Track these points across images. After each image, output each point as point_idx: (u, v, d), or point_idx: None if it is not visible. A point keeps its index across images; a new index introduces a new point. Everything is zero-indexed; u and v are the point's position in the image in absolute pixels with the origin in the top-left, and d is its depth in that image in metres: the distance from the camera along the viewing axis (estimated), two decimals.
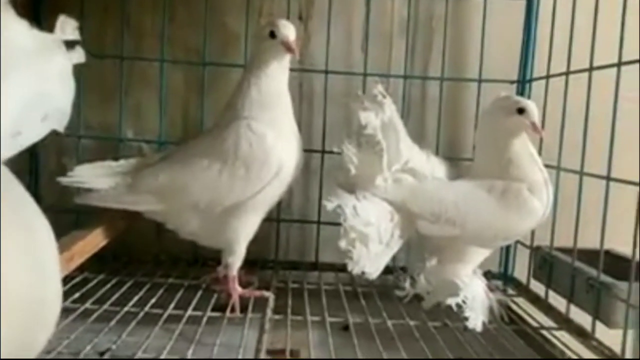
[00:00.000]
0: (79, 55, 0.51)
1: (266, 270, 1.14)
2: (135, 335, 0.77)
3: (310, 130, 1.17)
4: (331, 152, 1.07)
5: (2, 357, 0.34)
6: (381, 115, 0.92)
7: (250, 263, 1.01)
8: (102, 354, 0.70)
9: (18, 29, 0.44)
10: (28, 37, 0.45)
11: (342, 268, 1.00)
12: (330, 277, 1.11)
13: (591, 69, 0.91)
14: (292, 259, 1.20)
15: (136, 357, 0.70)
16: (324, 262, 1.16)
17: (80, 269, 0.88)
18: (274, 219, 1.15)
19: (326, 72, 1.14)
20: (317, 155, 1.13)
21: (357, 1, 1.17)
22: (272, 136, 0.89)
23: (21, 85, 0.44)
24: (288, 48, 0.89)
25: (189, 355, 0.71)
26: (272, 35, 0.89)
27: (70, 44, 0.50)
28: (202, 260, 1.11)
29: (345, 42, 1.18)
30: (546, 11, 1.09)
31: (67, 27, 0.49)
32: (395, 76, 1.17)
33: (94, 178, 0.89)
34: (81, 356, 0.69)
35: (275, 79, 0.91)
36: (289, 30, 0.89)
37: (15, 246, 0.35)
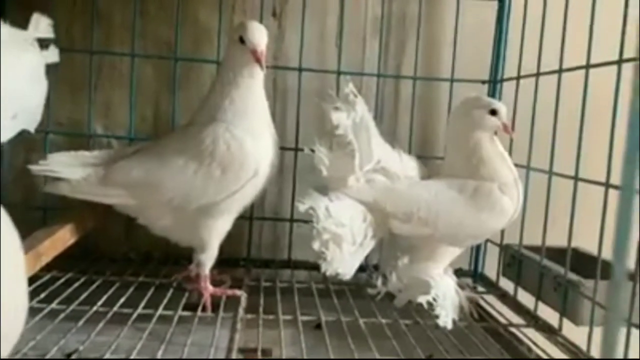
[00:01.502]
0: (52, 54, 0.50)
1: (238, 268, 1.13)
2: (104, 335, 0.76)
3: (284, 127, 1.17)
4: (303, 150, 1.07)
5: None
6: (353, 115, 0.91)
7: (223, 261, 1.00)
8: (69, 355, 0.69)
9: None
10: None
11: (315, 266, 1.00)
12: (303, 275, 1.11)
13: (560, 70, 0.93)
14: (265, 257, 1.20)
15: (104, 358, 0.68)
16: (297, 260, 1.16)
17: (48, 267, 0.86)
18: (246, 217, 1.14)
19: (300, 69, 1.13)
20: (290, 152, 1.13)
21: None
22: (250, 140, 0.87)
23: None
24: (256, 58, 0.86)
25: (159, 355, 0.70)
26: (242, 40, 0.86)
27: (43, 42, 0.49)
28: (173, 259, 1.09)
29: (319, 39, 1.18)
30: (518, 13, 1.11)
31: (40, 24, 0.48)
32: (369, 74, 1.17)
33: (66, 167, 0.87)
34: (47, 357, 0.67)
35: (248, 84, 0.89)
36: (259, 38, 0.86)
37: None
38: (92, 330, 0.76)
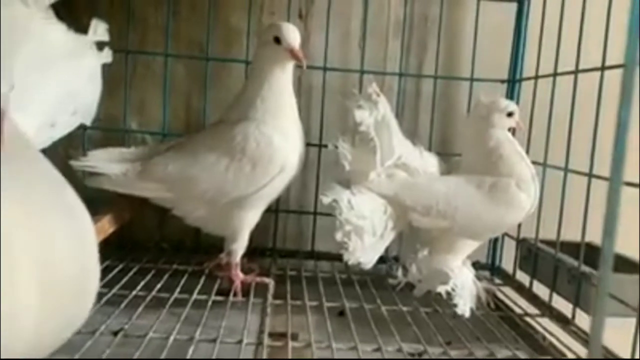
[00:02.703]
0: (106, 55, 0.56)
1: (265, 258, 1.18)
2: (143, 318, 0.81)
3: (308, 124, 1.21)
4: (327, 146, 1.12)
5: (55, 322, 0.38)
6: (375, 114, 0.96)
7: (250, 251, 1.05)
8: (115, 333, 0.75)
9: (57, 31, 0.48)
10: (64, 39, 0.49)
11: (338, 257, 1.05)
12: (326, 265, 1.16)
13: (577, 71, 0.96)
14: (289, 247, 1.25)
15: (148, 336, 0.74)
16: (320, 251, 1.21)
17: None
18: (272, 210, 1.19)
19: (324, 68, 1.18)
20: (314, 148, 1.18)
21: (355, 1, 1.21)
22: (278, 137, 0.92)
23: (57, 81, 0.49)
24: (294, 56, 0.91)
25: (197, 335, 0.75)
26: (277, 41, 0.91)
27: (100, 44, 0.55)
28: (203, 248, 1.15)
29: (343, 40, 1.23)
30: (536, 14, 1.14)
31: (99, 29, 0.53)
32: (391, 74, 1.21)
33: (106, 163, 0.93)
34: (97, 335, 0.73)
35: (279, 83, 0.94)
36: (294, 37, 0.91)
37: (63, 228, 0.40)
38: (133, 313, 0.82)
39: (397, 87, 1.21)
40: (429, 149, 1.09)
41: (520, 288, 1.09)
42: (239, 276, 0.98)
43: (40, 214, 0.37)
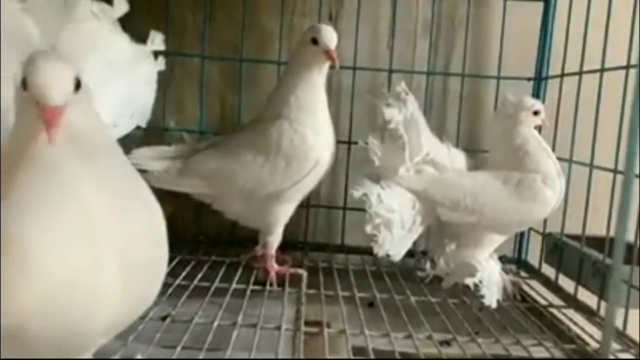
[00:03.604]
0: (161, 63, 0.61)
1: (296, 251, 1.23)
2: (187, 306, 0.87)
3: (338, 121, 1.25)
4: (357, 143, 1.16)
5: (132, 304, 0.43)
6: (404, 111, 1.00)
7: (283, 244, 1.10)
8: (163, 318, 0.80)
9: (121, 41, 0.54)
10: (128, 48, 0.55)
11: (366, 251, 1.10)
12: (356, 258, 1.20)
13: (602, 70, 0.99)
14: (320, 241, 1.29)
15: (194, 321, 0.80)
16: (350, 245, 1.25)
17: None
18: (303, 205, 1.23)
19: (354, 68, 1.22)
20: (343, 145, 1.22)
21: (384, 2, 1.25)
22: (312, 135, 0.97)
23: (120, 87, 0.54)
24: (329, 57, 0.95)
25: (239, 320, 0.81)
26: (315, 41, 0.96)
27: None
28: (239, 240, 1.20)
29: (372, 40, 1.27)
30: (562, 13, 1.16)
31: (156, 39, 0.59)
32: (419, 72, 1.25)
33: (150, 160, 0.98)
34: (147, 320, 0.79)
35: (314, 83, 0.98)
36: (331, 39, 0.95)
37: (141, 219, 0.45)
38: (177, 301, 0.87)
39: (425, 86, 1.24)
40: (457, 146, 1.12)
41: (546, 281, 1.12)
42: (274, 267, 1.03)
43: (123, 207, 0.42)
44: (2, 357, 0.44)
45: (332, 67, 0.99)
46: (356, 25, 1.21)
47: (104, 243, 0.40)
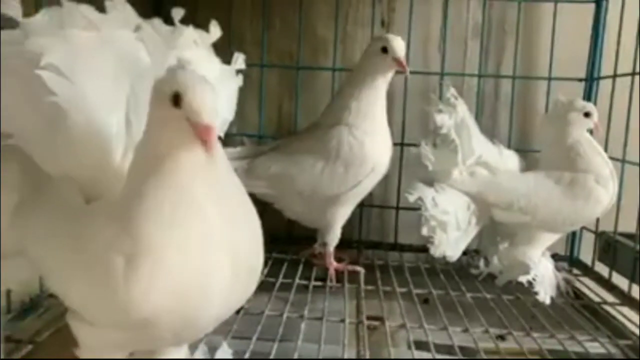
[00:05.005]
0: (240, 79, 0.68)
1: (351, 249, 1.28)
2: (258, 299, 0.92)
3: (391, 124, 1.27)
4: (409, 145, 1.21)
5: (236, 300, 0.50)
6: (455, 116, 1.04)
7: (338, 242, 1.14)
8: (238, 311, 0.87)
9: (213, 63, 0.61)
10: (218, 69, 0.61)
11: (420, 249, 1.15)
12: (410, 256, 1.25)
13: None
14: (373, 240, 1.34)
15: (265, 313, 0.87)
16: (402, 244, 1.30)
17: None
18: (358, 205, 1.28)
19: (401, 72, 1.25)
20: (396, 147, 1.25)
21: (435, 7, 1.29)
22: (369, 141, 1.02)
23: None
24: (400, 64, 1.00)
25: (306, 313, 0.87)
26: (384, 50, 1.00)
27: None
28: (296, 239, 1.26)
29: (423, 44, 1.31)
30: (614, 13, 1.17)
31: (239, 60, 0.65)
32: (470, 75, 1.28)
33: None
34: None
35: (378, 90, 1.03)
36: (400, 47, 1.00)
37: (245, 220, 0.51)
38: None
39: (477, 88, 1.27)
40: (508, 147, 1.15)
41: (599, 279, 1.13)
42: (332, 264, 1.09)
43: (233, 219, 0.49)
44: (127, 348, 0.51)
45: (401, 73, 1.03)
46: (408, 30, 1.25)
47: (219, 248, 0.47)
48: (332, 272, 1.08)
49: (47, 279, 0.53)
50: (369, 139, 1.02)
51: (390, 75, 1.04)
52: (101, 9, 0.56)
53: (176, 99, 0.45)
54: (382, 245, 1.32)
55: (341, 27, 1.30)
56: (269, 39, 1.31)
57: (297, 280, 1.02)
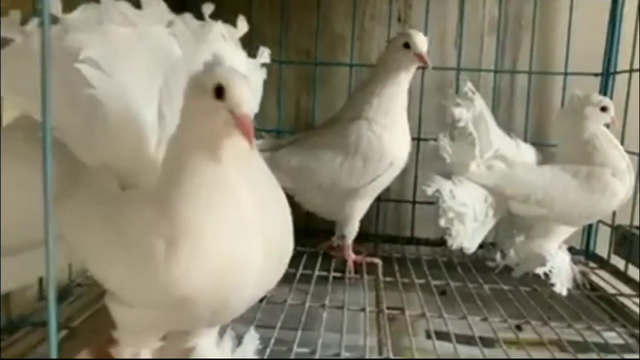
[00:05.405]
0: (264, 73, 0.70)
1: (368, 242, 1.30)
2: (279, 290, 0.93)
3: (407, 119, 1.31)
4: (426, 140, 1.23)
5: (266, 283, 0.52)
6: (472, 110, 1.05)
7: (356, 236, 1.17)
8: (261, 300, 0.89)
9: (240, 57, 0.63)
10: (244, 63, 0.63)
11: (435, 242, 1.17)
12: (426, 250, 1.26)
13: None
14: (389, 233, 1.36)
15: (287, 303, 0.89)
16: (419, 237, 1.31)
17: None
18: (375, 199, 1.31)
19: (423, 67, 1.27)
20: (412, 141, 1.26)
21: (451, 3, 1.30)
22: (388, 136, 1.03)
23: None
24: (422, 59, 1.01)
25: (327, 302, 0.89)
26: (407, 46, 1.02)
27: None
28: (313, 231, 1.27)
29: (440, 40, 1.32)
30: (631, 8, 1.17)
31: (264, 54, 0.67)
32: (486, 70, 1.29)
33: None
34: None
35: (400, 86, 1.04)
36: (422, 43, 1.01)
37: (276, 207, 0.54)
38: None
39: (493, 83, 1.29)
40: (524, 141, 1.16)
41: (615, 272, 1.14)
42: (351, 256, 1.11)
43: (265, 205, 0.51)
44: (164, 328, 0.53)
45: (424, 68, 1.05)
46: (425, 26, 1.26)
47: (253, 232, 0.49)
48: (350, 264, 1.10)
49: (87, 262, 0.55)
50: (388, 134, 1.04)
51: (412, 70, 1.05)
52: (135, 4, 0.58)
53: (218, 92, 0.47)
54: (399, 239, 1.33)
55: (358, 24, 1.31)
56: (287, 37, 1.33)
57: (316, 272, 1.04)
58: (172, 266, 0.46)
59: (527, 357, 0.75)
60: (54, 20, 0.54)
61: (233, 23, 0.68)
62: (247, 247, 0.49)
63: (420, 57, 1.01)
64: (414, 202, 1.32)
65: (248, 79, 0.49)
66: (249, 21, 1.29)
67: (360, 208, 1.10)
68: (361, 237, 1.28)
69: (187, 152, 0.48)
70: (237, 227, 0.48)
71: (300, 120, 1.36)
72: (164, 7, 0.59)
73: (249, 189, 0.49)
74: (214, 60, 0.50)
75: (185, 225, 0.47)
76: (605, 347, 0.81)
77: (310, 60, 1.31)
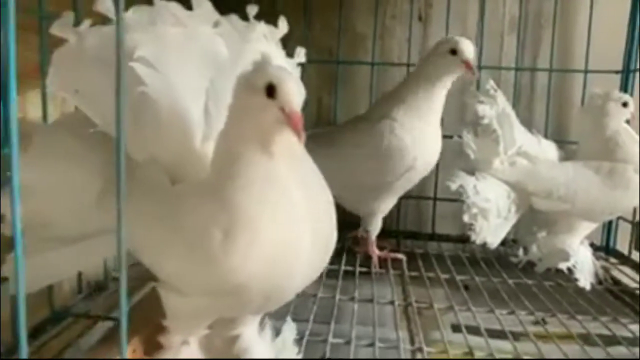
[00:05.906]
0: (299, 71, 0.72)
1: (390, 238, 1.31)
2: (308, 286, 0.96)
3: None
4: (446, 137, 1.24)
5: (313, 270, 0.54)
6: (495, 107, 1.07)
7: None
8: None
9: (280, 56, 0.65)
10: (283, 62, 0.65)
11: (457, 239, 1.18)
12: (448, 246, 1.28)
13: None
14: (410, 229, 1.38)
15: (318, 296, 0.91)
16: (440, 234, 1.33)
17: None
18: None
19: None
20: None
21: (472, 2, 1.32)
22: (411, 139, 1.03)
23: None
24: (469, 67, 1.00)
25: (356, 295, 0.91)
26: (453, 52, 1.01)
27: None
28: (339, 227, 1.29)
29: None
30: None
31: (300, 54, 0.69)
32: (507, 68, 1.31)
33: None
34: None
35: (439, 90, 1.04)
36: (470, 50, 1.01)
37: (322, 199, 0.56)
38: None
39: (514, 81, 1.30)
40: (545, 137, 1.18)
41: (636, 267, 1.15)
42: (375, 252, 1.13)
43: (313, 196, 0.53)
44: (213, 315, 0.55)
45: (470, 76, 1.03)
46: (446, 24, 1.28)
47: (303, 223, 0.52)
48: (375, 259, 1.11)
49: (139, 253, 0.57)
50: (410, 137, 1.03)
51: (456, 76, 1.04)
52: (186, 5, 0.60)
53: (269, 90, 0.49)
54: (420, 235, 1.35)
55: (380, 23, 1.33)
56: (310, 36, 1.35)
57: (343, 267, 1.06)
58: (230, 255, 0.48)
59: (559, 352, 0.77)
60: (107, 20, 0.56)
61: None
62: (297, 237, 0.51)
63: (467, 64, 1.00)
64: (434, 199, 1.33)
65: (297, 77, 0.51)
66: (275, 24, 1.33)
67: (383, 205, 1.12)
68: (383, 233, 1.30)
69: (239, 147, 0.50)
70: (288, 218, 0.51)
71: (322, 119, 1.38)
72: (210, 7, 0.61)
73: (298, 183, 0.52)
74: (264, 60, 0.52)
75: (242, 216, 0.49)
76: (633, 341, 0.82)
77: (333, 59, 1.33)
